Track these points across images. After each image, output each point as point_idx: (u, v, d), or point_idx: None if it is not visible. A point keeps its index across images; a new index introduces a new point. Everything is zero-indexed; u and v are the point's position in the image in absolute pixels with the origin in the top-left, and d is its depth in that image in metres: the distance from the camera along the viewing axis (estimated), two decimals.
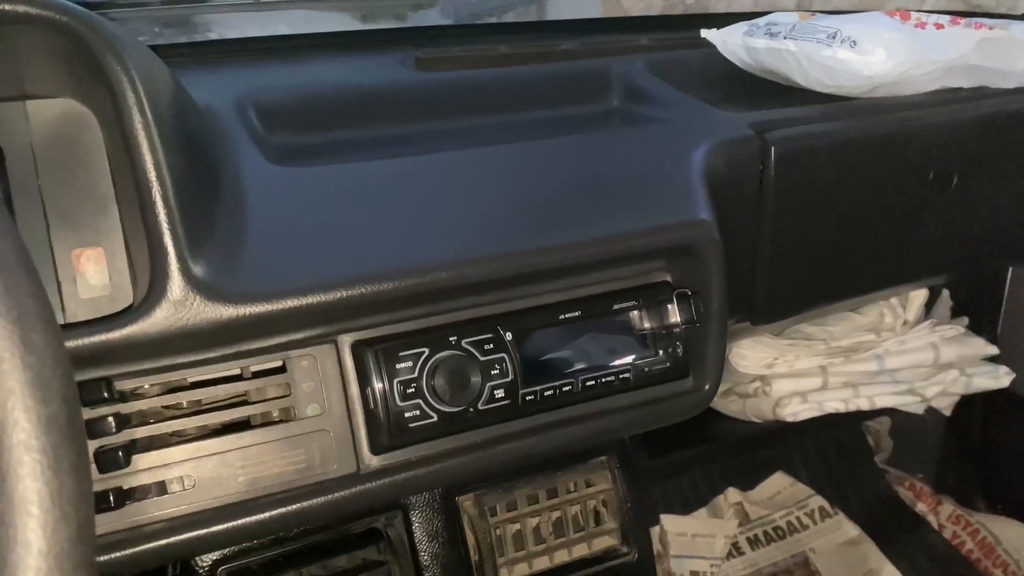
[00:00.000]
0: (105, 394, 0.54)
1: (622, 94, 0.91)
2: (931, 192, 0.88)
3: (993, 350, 1.20)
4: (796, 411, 1.13)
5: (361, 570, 0.87)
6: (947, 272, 1.10)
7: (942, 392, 1.20)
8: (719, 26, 0.98)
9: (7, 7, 0.49)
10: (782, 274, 0.84)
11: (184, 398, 0.58)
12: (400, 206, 0.64)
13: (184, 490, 0.57)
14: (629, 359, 0.70)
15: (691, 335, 0.72)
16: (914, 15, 0.87)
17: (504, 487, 0.95)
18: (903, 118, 0.85)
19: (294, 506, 0.59)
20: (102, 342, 0.52)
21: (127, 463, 0.55)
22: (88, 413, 0.54)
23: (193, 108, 0.64)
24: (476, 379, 0.63)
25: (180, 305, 0.53)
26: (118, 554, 0.55)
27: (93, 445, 0.55)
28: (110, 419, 0.54)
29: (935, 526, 1.36)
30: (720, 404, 1.25)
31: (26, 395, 0.30)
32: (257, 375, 0.60)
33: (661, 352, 0.71)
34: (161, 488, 0.57)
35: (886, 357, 1.16)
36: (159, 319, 0.52)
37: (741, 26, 0.94)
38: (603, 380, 0.69)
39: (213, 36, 1.00)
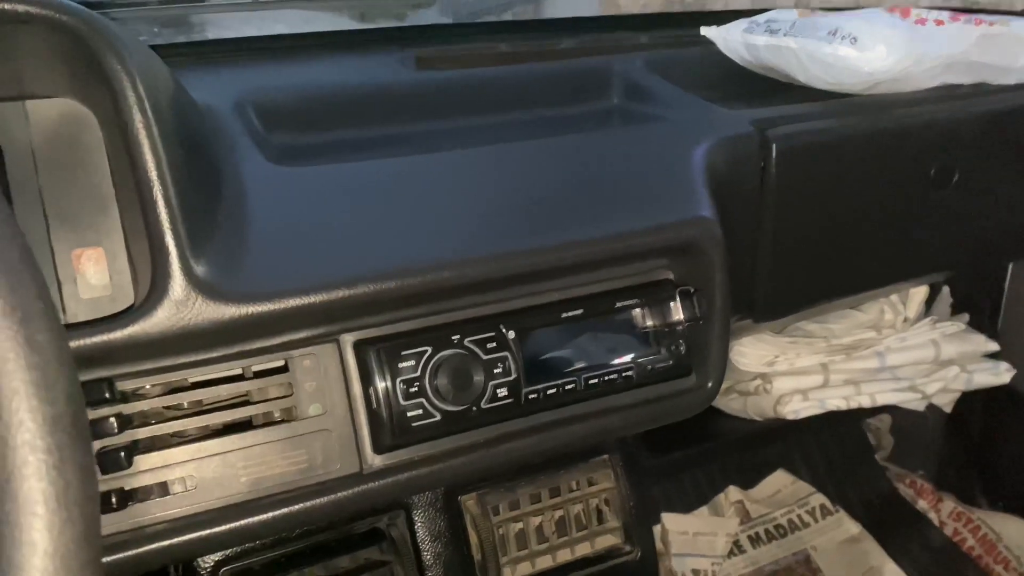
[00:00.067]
0: (107, 394, 0.54)
1: (622, 92, 0.91)
2: (932, 189, 0.88)
3: (994, 346, 1.20)
4: (797, 409, 1.13)
5: (364, 570, 0.87)
6: (948, 269, 1.10)
7: (943, 389, 1.19)
8: (718, 23, 0.97)
9: (7, 6, 0.48)
10: (783, 271, 0.84)
11: (186, 398, 0.58)
12: (401, 205, 0.64)
13: (186, 491, 0.57)
14: (631, 357, 0.70)
15: (693, 333, 0.72)
16: (914, 11, 0.87)
17: (507, 486, 0.95)
18: (903, 115, 0.85)
19: (296, 506, 0.59)
20: (104, 342, 0.52)
21: (129, 464, 0.54)
22: (90, 414, 0.53)
23: (193, 108, 0.64)
24: (479, 378, 0.63)
25: (182, 305, 0.53)
26: (120, 555, 0.54)
27: (95, 446, 0.55)
28: (112, 420, 0.54)
29: (936, 523, 1.36)
30: (721, 402, 1.25)
31: (31, 395, 0.30)
32: (259, 375, 0.60)
33: (664, 350, 0.71)
34: (163, 489, 0.57)
35: (887, 354, 1.16)
36: (161, 319, 0.52)
37: (741, 23, 0.94)
38: (606, 378, 0.69)
39: (212, 36, 1.00)
